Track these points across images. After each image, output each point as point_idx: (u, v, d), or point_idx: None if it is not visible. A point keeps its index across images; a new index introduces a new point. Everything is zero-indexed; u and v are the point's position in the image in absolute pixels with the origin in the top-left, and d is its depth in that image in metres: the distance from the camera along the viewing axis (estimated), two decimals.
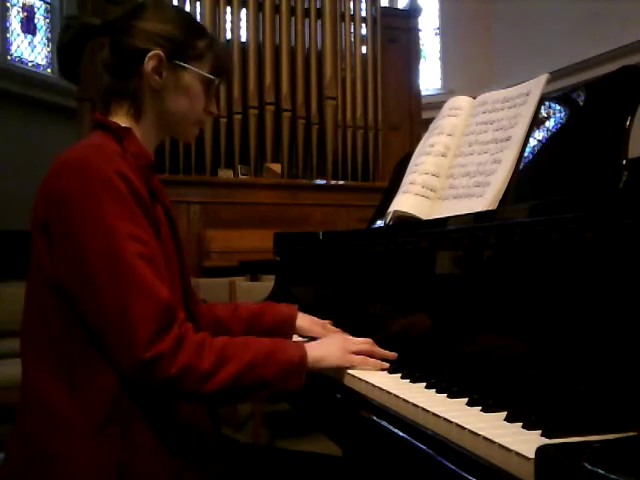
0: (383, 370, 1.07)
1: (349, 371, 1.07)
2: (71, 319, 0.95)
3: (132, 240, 0.92)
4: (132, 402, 0.95)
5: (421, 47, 7.07)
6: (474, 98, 1.41)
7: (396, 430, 0.83)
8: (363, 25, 5.83)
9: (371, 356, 1.10)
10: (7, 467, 0.98)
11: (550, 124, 1.16)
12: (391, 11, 6.54)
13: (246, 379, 0.95)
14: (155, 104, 1.09)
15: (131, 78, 1.07)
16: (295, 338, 1.34)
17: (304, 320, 1.36)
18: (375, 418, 0.90)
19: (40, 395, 0.96)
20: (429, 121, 1.53)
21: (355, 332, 1.27)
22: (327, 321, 1.39)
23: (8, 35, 6.77)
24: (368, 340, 1.14)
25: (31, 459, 0.95)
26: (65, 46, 1.09)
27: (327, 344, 1.11)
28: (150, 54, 1.05)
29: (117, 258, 0.91)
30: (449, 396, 0.86)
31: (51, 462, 0.93)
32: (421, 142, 1.48)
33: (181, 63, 1.09)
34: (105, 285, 0.90)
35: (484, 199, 1.16)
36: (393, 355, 1.11)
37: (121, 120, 1.08)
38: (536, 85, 1.22)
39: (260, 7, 5.42)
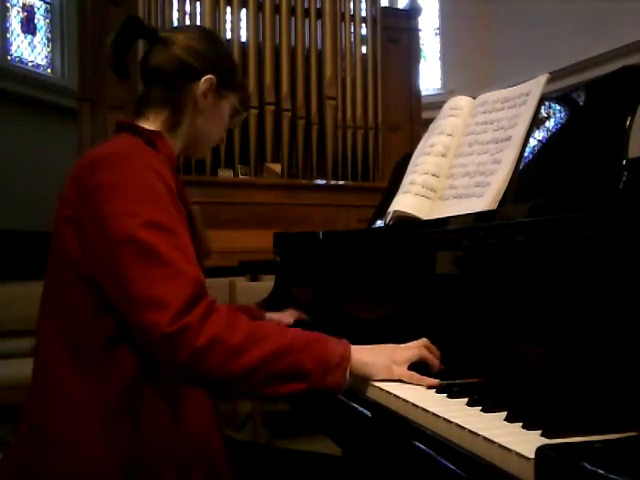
0: (430, 388, 0.90)
1: None
2: (98, 310, 0.95)
3: (160, 230, 0.92)
4: (145, 396, 0.96)
5: (421, 47, 7.06)
6: (474, 98, 1.41)
7: (395, 430, 0.83)
8: (363, 25, 5.82)
9: (423, 362, 0.98)
10: (11, 459, 0.98)
11: (550, 124, 1.15)
12: (391, 11, 6.53)
13: (280, 363, 0.88)
14: (191, 121, 1.16)
15: (180, 91, 1.14)
16: None
17: (274, 315, 1.45)
18: (374, 418, 0.90)
19: (55, 386, 0.97)
20: (429, 121, 1.53)
21: (355, 332, 1.27)
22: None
23: (8, 35, 6.78)
24: (421, 342, 1.01)
25: (40, 449, 0.95)
26: (115, 39, 1.14)
27: (375, 349, 0.99)
28: (206, 77, 1.14)
29: (143, 244, 0.90)
30: (449, 396, 0.86)
31: (62, 452, 0.93)
32: (421, 142, 1.48)
33: (225, 91, 1.18)
34: (132, 271, 0.90)
35: (484, 199, 1.16)
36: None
37: (152, 126, 1.12)
38: (536, 85, 1.22)
39: (260, 7, 5.41)
